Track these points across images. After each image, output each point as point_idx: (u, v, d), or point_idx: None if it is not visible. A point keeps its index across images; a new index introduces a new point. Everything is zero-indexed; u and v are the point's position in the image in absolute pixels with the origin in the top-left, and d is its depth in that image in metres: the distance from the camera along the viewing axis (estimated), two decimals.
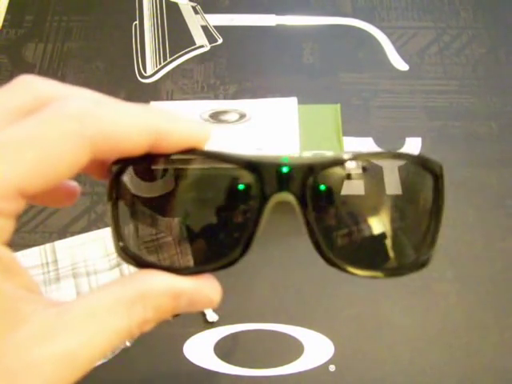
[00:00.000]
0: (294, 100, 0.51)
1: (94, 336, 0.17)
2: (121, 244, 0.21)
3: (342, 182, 0.23)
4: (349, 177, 0.23)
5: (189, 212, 0.23)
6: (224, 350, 0.45)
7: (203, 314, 0.46)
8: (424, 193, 0.21)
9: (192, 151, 0.20)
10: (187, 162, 0.22)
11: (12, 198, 0.17)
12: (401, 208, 0.23)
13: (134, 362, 0.44)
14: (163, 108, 0.19)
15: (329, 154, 0.19)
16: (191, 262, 0.22)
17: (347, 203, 0.23)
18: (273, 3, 0.66)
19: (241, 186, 0.21)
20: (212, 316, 0.46)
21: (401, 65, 0.61)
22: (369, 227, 0.23)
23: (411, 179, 0.22)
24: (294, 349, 0.45)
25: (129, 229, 0.21)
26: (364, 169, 0.23)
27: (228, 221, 0.22)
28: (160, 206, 0.23)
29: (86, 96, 0.20)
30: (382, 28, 0.64)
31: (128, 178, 0.21)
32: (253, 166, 0.20)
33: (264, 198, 0.20)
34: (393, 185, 0.23)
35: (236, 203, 0.22)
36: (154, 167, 0.22)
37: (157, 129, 0.19)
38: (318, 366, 0.44)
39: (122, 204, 0.21)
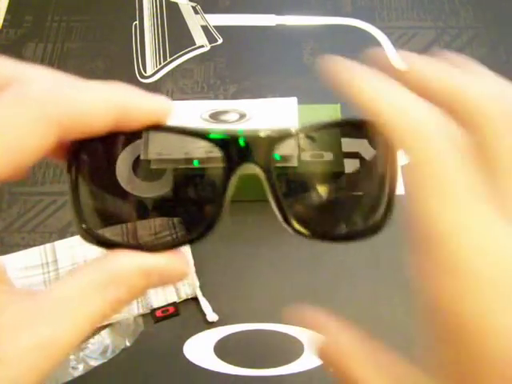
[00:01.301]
0: (294, 100, 0.51)
1: (68, 323, 0.17)
2: (84, 226, 0.20)
3: (299, 151, 0.23)
4: (305, 147, 0.23)
5: (153, 188, 0.23)
6: (224, 350, 0.45)
7: (203, 314, 0.46)
8: (378, 157, 0.21)
9: (156, 127, 0.20)
10: (151, 139, 0.22)
11: None
12: (357, 174, 0.24)
13: (134, 361, 0.44)
14: (124, 84, 0.19)
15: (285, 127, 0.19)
16: (159, 239, 0.22)
17: (306, 171, 0.23)
18: (273, 3, 0.66)
19: (205, 160, 0.21)
20: (212, 316, 0.46)
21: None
22: (328, 193, 0.23)
23: (365, 145, 0.22)
24: (293, 349, 0.45)
25: (90, 210, 0.21)
26: (319, 139, 0.23)
27: (195, 195, 0.22)
28: (122, 184, 0.23)
29: (47, 76, 0.19)
30: (381, 28, 0.64)
31: (87, 156, 0.21)
32: (217, 139, 0.20)
33: (229, 170, 0.20)
34: (349, 152, 0.24)
35: (201, 177, 0.22)
36: (113, 145, 0.22)
37: (121, 106, 0.19)
38: (318, 366, 0.44)
39: (82, 184, 0.21)
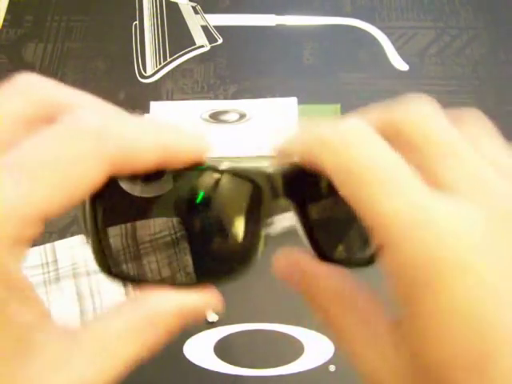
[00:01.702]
0: (293, 100, 0.51)
1: (106, 364, 0.17)
2: (113, 270, 0.20)
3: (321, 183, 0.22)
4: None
5: (187, 223, 0.22)
6: (224, 350, 0.45)
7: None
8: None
9: (198, 165, 0.20)
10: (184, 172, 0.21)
11: (34, 224, 0.17)
12: None
13: None
14: (165, 122, 0.19)
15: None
16: (193, 276, 0.21)
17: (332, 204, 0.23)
18: (273, 3, 0.66)
19: (240, 196, 0.21)
20: (212, 316, 0.46)
21: (401, 65, 0.61)
22: (351, 223, 0.23)
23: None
24: (293, 349, 0.45)
25: (115, 249, 0.21)
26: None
27: (230, 231, 0.22)
28: (153, 216, 0.22)
29: (95, 106, 0.19)
30: (381, 28, 0.64)
31: (117, 194, 0.20)
32: (252, 177, 0.20)
33: (262, 207, 0.20)
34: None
35: (235, 213, 0.21)
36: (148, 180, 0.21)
37: (165, 145, 0.19)
38: (317, 366, 0.44)
39: (107, 224, 0.20)
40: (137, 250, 0.21)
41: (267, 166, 0.20)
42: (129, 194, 0.21)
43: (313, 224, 0.21)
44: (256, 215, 0.20)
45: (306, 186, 0.20)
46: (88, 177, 0.17)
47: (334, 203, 0.22)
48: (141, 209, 0.21)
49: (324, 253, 0.21)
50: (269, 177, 0.20)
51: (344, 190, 0.17)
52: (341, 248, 0.22)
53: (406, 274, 0.15)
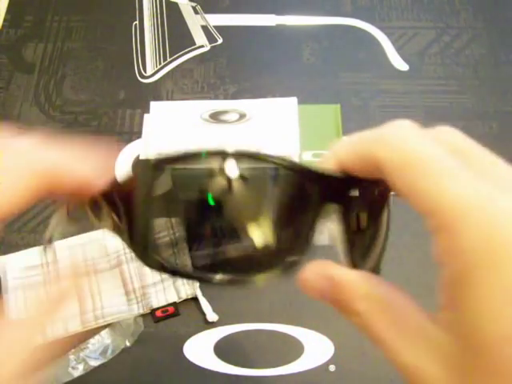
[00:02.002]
0: (294, 100, 0.51)
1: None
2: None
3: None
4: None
5: (241, 216, 0.21)
6: (224, 350, 0.45)
7: (203, 314, 0.46)
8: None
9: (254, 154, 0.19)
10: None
11: None
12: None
13: (134, 361, 0.44)
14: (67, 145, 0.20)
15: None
16: (238, 267, 0.21)
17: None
18: (273, 3, 0.66)
19: (294, 194, 0.20)
20: (212, 316, 0.46)
21: (401, 65, 0.61)
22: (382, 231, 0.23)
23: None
24: (294, 349, 0.45)
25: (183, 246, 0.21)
26: None
27: (281, 228, 0.21)
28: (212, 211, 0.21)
29: (31, 136, 0.21)
30: (381, 28, 0.64)
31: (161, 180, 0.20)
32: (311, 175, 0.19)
33: (317, 209, 0.20)
34: None
35: (289, 212, 0.21)
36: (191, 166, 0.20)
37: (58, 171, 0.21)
38: (317, 366, 0.44)
39: (156, 212, 0.20)
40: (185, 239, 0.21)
41: (320, 169, 0.20)
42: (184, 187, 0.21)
43: (353, 232, 0.21)
44: (307, 216, 0.20)
45: (353, 193, 0.20)
46: (17, 187, 0.19)
47: (374, 214, 0.22)
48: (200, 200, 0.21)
49: (356, 261, 0.21)
50: (321, 180, 0.20)
51: (401, 182, 0.17)
52: (371, 258, 0.22)
53: (467, 255, 0.16)
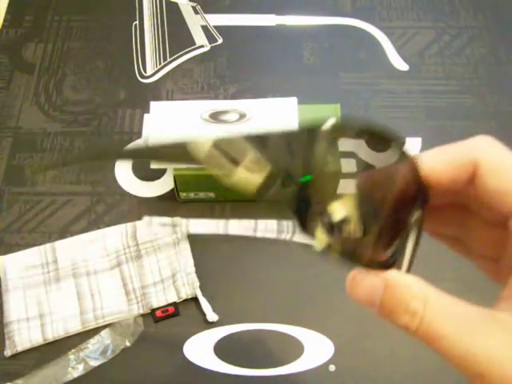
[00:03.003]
0: (294, 100, 0.51)
1: None
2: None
3: None
4: None
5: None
6: (224, 350, 0.45)
7: (203, 314, 0.46)
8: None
9: None
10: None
11: None
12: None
13: (134, 361, 0.44)
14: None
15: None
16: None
17: None
18: (273, 3, 0.66)
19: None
20: (212, 316, 0.46)
21: (401, 65, 0.61)
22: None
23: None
24: (294, 349, 0.45)
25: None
26: None
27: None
28: None
29: None
30: (381, 28, 0.64)
31: None
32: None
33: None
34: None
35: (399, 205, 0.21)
36: None
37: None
38: (318, 366, 0.44)
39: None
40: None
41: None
42: None
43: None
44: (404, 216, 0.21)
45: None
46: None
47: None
48: None
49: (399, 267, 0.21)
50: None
51: (493, 180, 0.20)
52: (410, 263, 0.22)
53: None
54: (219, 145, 0.18)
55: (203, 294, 0.47)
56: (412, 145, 0.55)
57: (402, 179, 0.20)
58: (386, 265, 0.19)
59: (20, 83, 0.60)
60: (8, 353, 0.44)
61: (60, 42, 0.63)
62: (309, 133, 0.18)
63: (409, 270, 0.20)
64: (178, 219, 0.28)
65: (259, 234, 0.26)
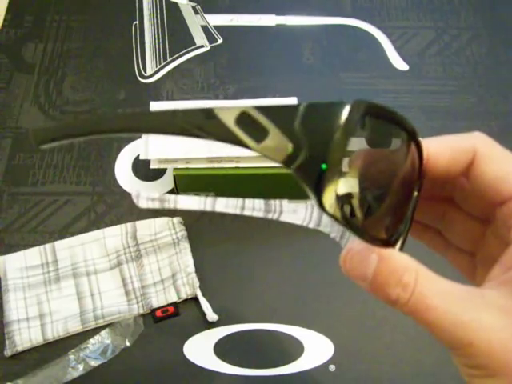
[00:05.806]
0: (294, 100, 0.51)
1: None
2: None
3: None
4: None
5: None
6: (224, 350, 0.45)
7: (203, 314, 0.46)
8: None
9: None
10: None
11: None
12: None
13: (134, 361, 0.44)
14: None
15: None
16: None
17: None
18: (273, 3, 0.66)
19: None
20: (212, 316, 0.46)
21: (401, 65, 0.61)
22: None
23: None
24: (294, 349, 0.45)
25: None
26: None
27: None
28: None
29: None
30: (381, 28, 0.64)
31: None
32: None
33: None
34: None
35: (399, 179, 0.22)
36: None
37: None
38: (317, 366, 0.44)
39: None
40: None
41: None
42: None
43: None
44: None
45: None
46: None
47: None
48: None
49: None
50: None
51: (490, 167, 0.21)
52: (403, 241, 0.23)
53: None
54: (248, 111, 0.18)
55: (203, 294, 0.47)
56: None
57: (409, 160, 0.21)
58: (386, 243, 0.20)
59: (20, 83, 0.60)
60: (8, 353, 0.44)
61: (60, 42, 0.63)
62: (335, 108, 0.18)
63: (401, 249, 0.21)
64: (166, 195, 0.28)
65: (247, 213, 0.26)
